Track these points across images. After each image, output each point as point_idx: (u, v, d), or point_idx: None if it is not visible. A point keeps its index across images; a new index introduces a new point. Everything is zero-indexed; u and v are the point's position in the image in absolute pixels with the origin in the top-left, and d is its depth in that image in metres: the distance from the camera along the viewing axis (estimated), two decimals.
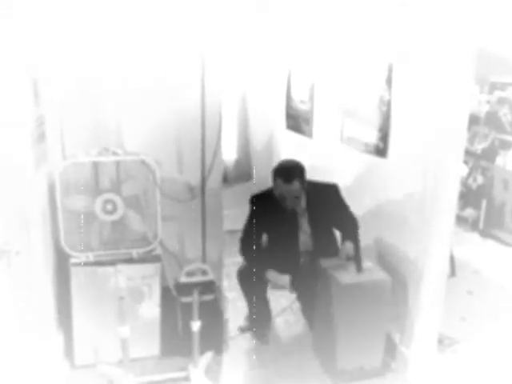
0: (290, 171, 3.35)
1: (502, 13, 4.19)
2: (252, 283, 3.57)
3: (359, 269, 3.16)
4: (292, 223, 3.52)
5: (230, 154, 5.68)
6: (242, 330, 3.76)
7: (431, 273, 3.09)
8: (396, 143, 3.30)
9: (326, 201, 3.48)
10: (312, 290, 3.44)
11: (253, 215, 3.55)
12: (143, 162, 3.19)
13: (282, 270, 3.46)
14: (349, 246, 3.32)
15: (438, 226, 3.03)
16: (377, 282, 3.14)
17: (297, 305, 3.90)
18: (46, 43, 3.04)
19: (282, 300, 4.00)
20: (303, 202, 3.49)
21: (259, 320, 3.75)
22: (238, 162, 5.74)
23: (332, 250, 3.48)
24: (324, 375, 3.28)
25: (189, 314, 3.06)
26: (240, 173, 5.76)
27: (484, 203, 6.08)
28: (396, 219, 3.33)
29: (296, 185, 3.30)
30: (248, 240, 3.53)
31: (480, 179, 6.16)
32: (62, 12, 3.12)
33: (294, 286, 3.43)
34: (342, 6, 3.91)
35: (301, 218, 3.52)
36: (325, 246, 3.53)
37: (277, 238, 3.57)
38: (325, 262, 3.29)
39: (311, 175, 3.44)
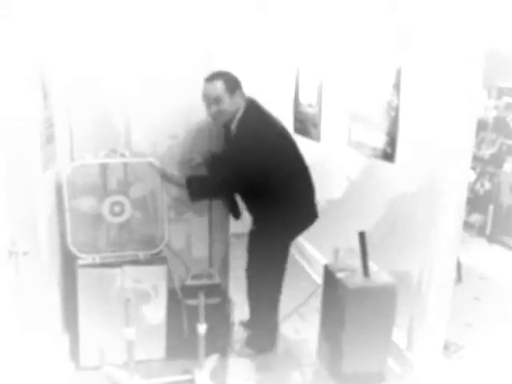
0: (213, 73, 3.14)
1: (510, 17, 4.19)
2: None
3: (366, 273, 3.15)
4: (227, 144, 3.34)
5: None
6: (243, 324, 3.73)
7: (438, 278, 3.08)
8: (404, 148, 3.30)
9: (255, 135, 3.12)
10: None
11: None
12: (151, 164, 3.20)
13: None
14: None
15: (445, 232, 3.02)
16: (383, 287, 3.14)
17: (302, 310, 3.90)
18: (54, 45, 3.05)
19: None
20: (234, 122, 3.18)
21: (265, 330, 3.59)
22: None
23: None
24: (329, 379, 3.27)
25: (195, 316, 3.06)
26: None
27: (491, 209, 6.06)
28: (403, 224, 3.33)
29: (218, 84, 3.08)
30: None
31: (487, 185, 6.14)
32: (72, 13, 3.14)
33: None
34: (349, 9, 3.92)
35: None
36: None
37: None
38: (332, 266, 3.29)
39: (318, 177, 3.41)
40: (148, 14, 3.31)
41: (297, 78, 5.25)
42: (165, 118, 3.45)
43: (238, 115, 3.18)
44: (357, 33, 3.85)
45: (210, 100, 3.13)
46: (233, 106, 3.14)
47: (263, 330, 3.55)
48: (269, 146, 3.10)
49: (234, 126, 3.19)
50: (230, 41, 3.54)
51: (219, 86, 3.08)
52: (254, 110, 3.22)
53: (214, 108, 3.13)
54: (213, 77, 3.12)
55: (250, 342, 3.57)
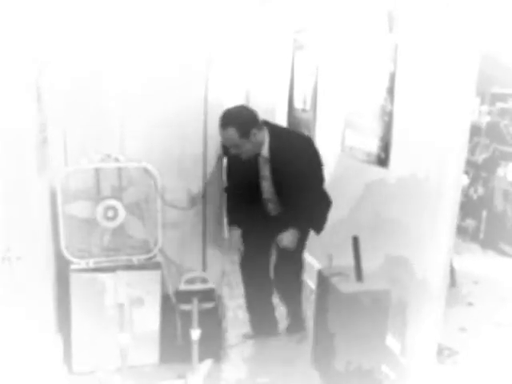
0: (224, 118, 3.14)
1: (505, 25, 4.21)
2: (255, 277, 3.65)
3: (360, 278, 3.15)
4: (251, 170, 3.36)
5: None
6: (246, 336, 3.75)
7: (431, 283, 3.08)
8: (397, 153, 3.31)
9: (293, 151, 3.23)
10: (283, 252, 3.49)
11: (227, 163, 3.56)
12: (145, 169, 3.20)
13: (247, 219, 3.51)
14: (290, 234, 3.33)
15: (439, 237, 3.03)
16: (377, 292, 3.14)
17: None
18: (49, 49, 3.05)
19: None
20: (265, 149, 3.27)
21: (263, 323, 3.78)
22: None
23: (298, 203, 3.30)
24: (323, 383, 3.28)
25: (188, 321, 3.05)
26: None
27: (484, 214, 6.08)
28: (396, 229, 3.33)
29: (231, 132, 3.09)
30: (227, 187, 3.61)
31: (481, 190, 6.16)
32: (67, 18, 3.15)
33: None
34: (344, 13, 3.93)
35: (263, 165, 3.34)
36: (290, 198, 3.32)
37: (239, 185, 3.49)
38: (325, 271, 3.29)
39: None
40: (143, 18, 3.31)
41: (291, 82, 5.26)
42: (160, 122, 3.45)
43: (266, 144, 3.26)
44: (351, 37, 3.86)
45: (227, 144, 3.20)
46: (253, 144, 3.19)
47: (300, 315, 3.87)
48: (314, 147, 3.37)
49: (265, 153, 3.28)
50: (225, 46, 3.54)
51: (232, 134, 3.10)
52: (277, 130, 3.36)
53: (234, 151, 3.19)
54: (225, 123, 3.11)
55: (292, 329, 3.84)
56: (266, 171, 3.36)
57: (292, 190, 3.26)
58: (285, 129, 3.44)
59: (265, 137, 3.25)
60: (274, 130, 3.32)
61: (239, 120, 3.13)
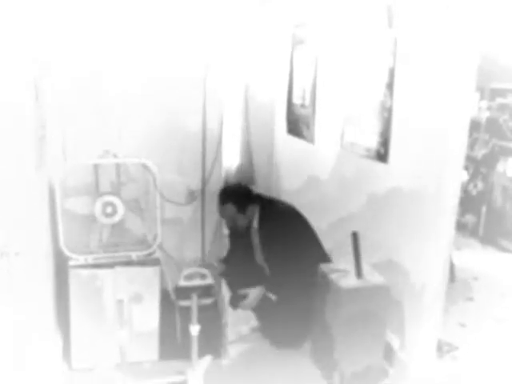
0: (223, 194, 3.45)
1: (505, 22, 4.20)
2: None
3: (359, 274, 3.15)
4: (245, 241, 3.60)
5: (232, 159, 5.66)
6: (253, 330, 3.76)
7: (431, 278, 3.08)
8: (397, 148, 3.30)
9: (279, 223, 3.43)
10: (271, 310, 3.54)
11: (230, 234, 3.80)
12: (144, 165, 3.19)
13: (243, 284, 3.56)
14: (251, 298, 3.45)
15: (438, 232, 3.02)
16: (376, 287, 3.14)
17: None
18: (48, 45, 3.04)
19: None
20: (256, 222, 3.51)
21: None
22: (240, 167, 5.73)
23: (289, 277, 3.38)
24: (322, 379, 3.26)
25: (187, 317, 3.05)
26: (242, 178, 5.74)
27: (484, 209, 6.08)
28: (396, 225, 3.33)
29: (228, 208, 3.39)
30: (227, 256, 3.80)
31: (480, 185, 6.15)
32: (66, 15, 3.14)
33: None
34: (343, 10, 3.92)
35: (254, 236, 3.57)
36: (279, 271, 3.45)
37: (236, 252, 3.72)
38: (325, 267, 3.29)
39: (312, 181, 3.42)
40: (143, 17, 3.31)
41: (290, 78, 5.25)
42: (160, 122, 3.44)
43: (256, 216, 3.49)
44: (350, 32, 3.85)
45: (223, 218, 3.50)
46: (247, 218, 3.46)
47: None
48: (301, 219, 3.53)
49: (255, 225, 3.51)
50: (225, 42, 3.54)
51: (230, 209, 3.39)
52: (267, 203, 3.55)
53: (230, 224, 3.50)
54: (223, 198, 3.41)
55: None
56: (256, 240, 3.56)
57: (278, 260, 3.40)
58: (274, 202, 3.65)
59: (255, 210, 3.48)
60: (264, 203, 3.53)
61: (238, 192, 3.48)
